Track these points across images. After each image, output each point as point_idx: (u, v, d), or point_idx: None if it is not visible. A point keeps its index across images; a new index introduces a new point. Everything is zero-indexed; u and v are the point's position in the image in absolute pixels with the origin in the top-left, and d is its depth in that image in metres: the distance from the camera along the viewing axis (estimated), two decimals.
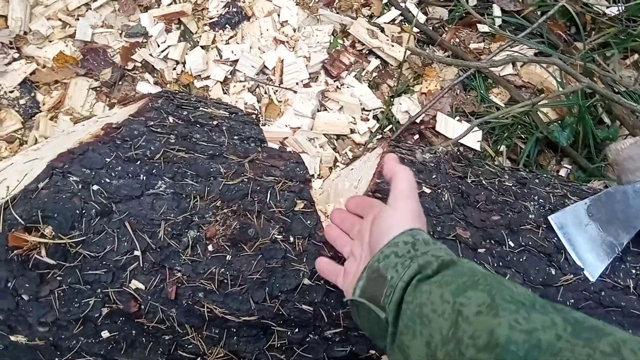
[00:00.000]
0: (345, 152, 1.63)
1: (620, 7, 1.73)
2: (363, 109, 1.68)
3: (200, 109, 0.95)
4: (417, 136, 1.66)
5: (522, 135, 1.63)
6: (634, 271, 0.86)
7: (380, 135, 1.65)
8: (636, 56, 1.77)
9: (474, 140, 1.60)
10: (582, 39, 1.60)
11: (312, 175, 1.55)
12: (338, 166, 1.58)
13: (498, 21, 1.77)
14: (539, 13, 1.74)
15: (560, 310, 0.48)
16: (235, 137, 0.92)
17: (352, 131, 1.65)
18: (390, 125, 1.66)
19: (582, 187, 1.01)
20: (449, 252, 0.61)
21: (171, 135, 0.88)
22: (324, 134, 1.63)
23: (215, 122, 0.93)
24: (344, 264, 0.74)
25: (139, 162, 0.84)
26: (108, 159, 0.84)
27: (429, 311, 0.53)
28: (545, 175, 1.02)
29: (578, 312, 0.49)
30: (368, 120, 1.67)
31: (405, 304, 0.56)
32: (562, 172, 1.61)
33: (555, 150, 1.62)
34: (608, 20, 1.74)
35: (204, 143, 0.89)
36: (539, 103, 1.49)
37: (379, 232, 0.65)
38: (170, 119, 0.91)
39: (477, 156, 1.61)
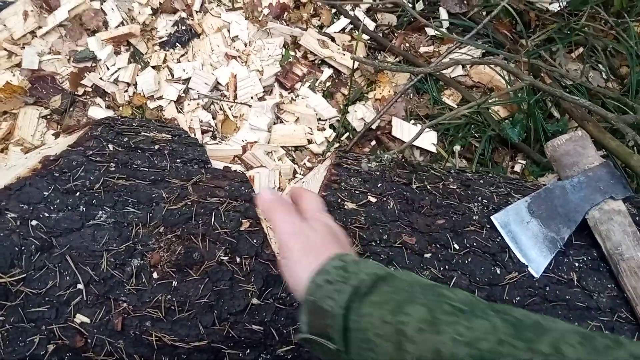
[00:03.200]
0: (304, 163, 1.63)
1: (562, 3, 1.78)
2: (319, 119, 1.69)
3: (142, 133, 0.95)
4: (374, 142, 1.67)
5: (476, 135, 1.65)
6: (577, 264, 0.88)
7: (338, 144, 1.66)
8: (581, 49, 1.81)
9: (429, 142, 1.62)
10: (525, 36, 1.64)
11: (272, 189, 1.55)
12: (297, 177, 1.58)
13: (446, 24, 1.80)
14: (484, 14, 1.77)
15: (500, 312, 0.49)
16: (178, 160, 0.91)
17: (310, 142, 1.66)
18: (347, 134, 1.67)
19: (526, 184, 1.03)
20: (382, 267, 0.60)
21: (111, 164, 0.87)
22: (281, 147, 1.63)
23: (157, 147, 0.92)
24: None
25: (78, 193, 0.83)
26: (46, 193, 0.83)
27: (373, 335, 0.52)
28: (490, 175, 1.04)
29: (518, 309, 0.49)
30: (324, 129, 1.68)
31: (350, 332, 0.55)
32: (517, 168, 1.64)
33: (509, 146, 1.65)
34: (551, 17, 1.79)
35: (145, 169, 0.88)
36: (489, 102, 1.52)
37: (295, 271, 0.61)
38: (110, 146, 0.90)
39: (433, 158, 1.63)
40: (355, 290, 0.55)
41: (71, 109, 1.63)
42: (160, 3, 1.75)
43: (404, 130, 1.66)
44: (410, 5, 1.82)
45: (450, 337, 0.47)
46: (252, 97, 1.68)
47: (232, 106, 1.67)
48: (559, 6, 1.79)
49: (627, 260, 0.85)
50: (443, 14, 1.80)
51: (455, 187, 0.96)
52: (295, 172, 1.60)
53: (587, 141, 0.95)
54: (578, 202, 0.89)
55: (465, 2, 1.81)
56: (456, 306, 0.50)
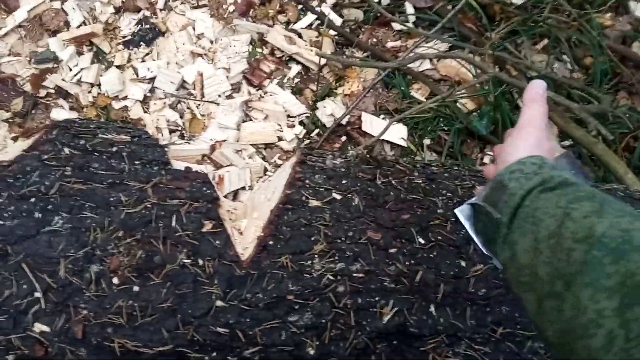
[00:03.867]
0: (274, 161, 1.62)
1: None
2: (288, 116, 1.67)
3: (100, 135, 0.92)
4: (344, 138, 1.67)
5: (445, 128, 1.66)
6: None
7: (308, 141, 1.65)
8: (546, 41, 1.83)
9: (398, 136, 1.62)
10: (490, 29, 1.65)
11: (244, 187, 1.53)
12: (268, 175, 1.57)
13: (412, 18, 1.80)
14: (450, 8, 1.78)
15: None
16: (137, 162, 0.89)
17: (280, 139, 1.64)
18: (317, 130, 1.67)
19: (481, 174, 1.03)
20: (572, 177, 0.62)
21: (67, 167, 0.85)
22: (251, 144, 1.61)
23: (114, 149, 0.90)
24: None
25: (33, 199, 0.81)
26: (0, 200, 0.81)
27: (542, 213, 0.56)
28: (455, 168, 1.04)
29: None
30: (294, 126, 1.67)
31: (522, 208, 0.59)
32: (486, 159, 1.65)
33: (478, 138, 1.66)
34: (515, 9, 1.80)
35: (102, 172, 0.86)
36: (454, 95, 1.53)
37: (508, 152, 0.67)
38: (66, 150, 0.88)
39: (403, 152, 1.63)
40: (542, 181, 0.60)
41: (33, 111, 1.59)
42: (122, 2, 1.72)
43: (373, 125, 1.66)
44: (376, 1, 1.82)
45: (609, 222, 0.49)
46: (219, 95, 1.66)
47: (199, 105, 1.65)
48: None
49: None
50: (409, 8, 1.81)
51: (420, 182, 0.96)
52: (265, 169, 1.59)
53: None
54: None
55: None
56: (627, 210, 0.52)
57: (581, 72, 1.82)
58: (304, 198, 0.89)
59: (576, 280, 0.48)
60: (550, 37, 1.79)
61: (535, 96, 0.70)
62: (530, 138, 0.67)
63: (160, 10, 1.76)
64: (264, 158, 1.62)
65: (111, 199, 0.82)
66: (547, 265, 0.52)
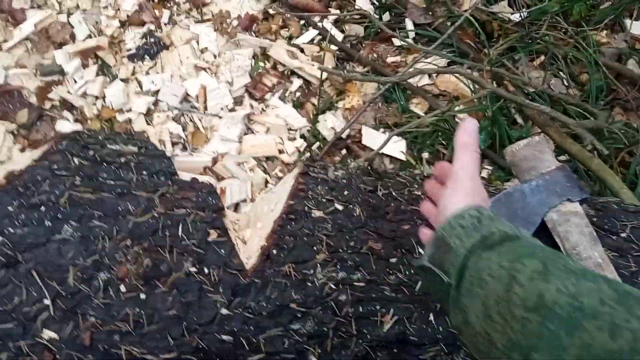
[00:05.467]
0: (275, 173, 1.64)
1: (522, 13, 1.84)
2: (289, 129, 1.70)
3: (108, 146, 0.95)
4: (344, 151, 1.70)
5: (444, 142, 1.69)
6: None
7: (309, 153, 1.67)
8: (542, 57, 1.87)
9: (398, 150, 1.65)
10: (488, 45, 1.69)
11: (245, 200, 1.56)
12: (269, 187, 1.60)
13: (412, 34, 1.84)
14: (449, 24, 1.82)
15: (611, 281, 0.51)
16: (145, 173, 0.91)
17: (281, 152, 1.67)
18: (318, 143, 1.69)
19: (489, 188, 1.06)
20: (513, 228, 0.63)
21: (76, 177, 0.87)
22: (252, 157, 1.64)
23: (123, 159, 0.92)
24: None
25: (43, 207, 0.83)
26: (11, 208, 0.83)
27: (487, 275, 0.56)
28: None
29: (631, 286, 0.51)
30: (295, 139, 1.69)
31: (467, 270, 0.59)
32: (484, 174, 1.68)
33: None
34: (513, 26, 1.85)
35: (111, 182, 0.88)
36: (453, 109, 1.56)
37: (446, 206, 0.67)
38: (76, 160, 0.90)
39: (402, 165, 1.66)
40: (483, 239, 0.60)
41: (38, 123, 1.62)
42: (128, 16, 1.75)
43: (373, 138, 1.69)
44: (377, 17, 1.86)
45: (556, 287, 0.50)
46: (222, 109, 1.69)
47: (202, 117, 1.68)
48: (520, 16, 1.85)
49: (585, 260, 0.88)
50: (409, 24, 1.84)
51: (420, 193, 0.98)
52: (267, 182, 1.61)
53: (545, 146, 0.98)
54: (536, 205, 0.92)
55: (430, 13, 1.86)
56: (569, 267, 0.53)
57: (577, 89, 1.85)
58: (306, 208, 0.91)
59: (534, 354, 0.49)
60: (547, 53, 1.83)
61: (466, 142, 0.70)
62: (466, 188, 0.67)
63: (165, 24, 1.80)
64: (265, 170, 1.64)
65: (119, 209, 0.85)
66: (502, 335, 0.53)
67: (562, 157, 1.71)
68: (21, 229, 0.81)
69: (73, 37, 1.73)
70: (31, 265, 0.79)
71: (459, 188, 0.67)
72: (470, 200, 0.65)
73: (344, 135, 1.68)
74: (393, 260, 0.87)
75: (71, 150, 0.92)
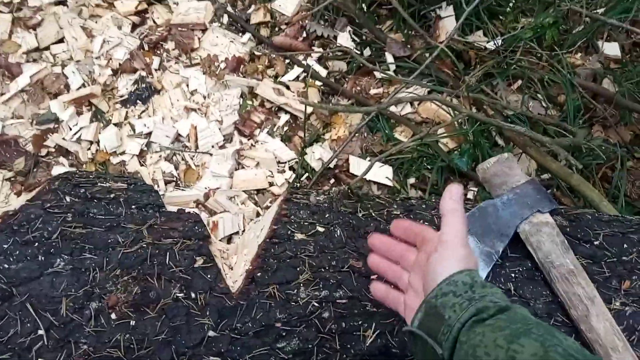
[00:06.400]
0: (267, 205, 1.69)
1: (497, 41, 1.92)
2: (278, 162, 1.76)
3: (99, 184, 1.00)
4: (332, 180, 1.75)
5: (429, 167, 1.74)
6: (513, 275, 0.94)
7: (298, 184, 1.72)
8: (519, 82, 1.94)
9: (384, 176, 1.70)
10: (464, 73, 1.76)
11: (237, 232, 1.59)
12: (259, 219, 1.64)
13: (392, 67, 1.91)
14: (427, 55, 1.90)
15: None
16: (133, 206, 0.96)
17: (271, 184, 1.72)
18: (306, 174, 1.74)
19: (466, 205, 1.10)
20: (504, 297, 0.64)
21: (68, 214, 0.91)
22: (243, 191, 1.69)
23: (112, 195, 0.97)
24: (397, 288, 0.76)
25: (36, 243, 0.87)
26: (5, 245, 0.87)
27: (482, 354, 0.56)
28: (433, 200, 1.11)
29: None
30: (284, 171, 1.75)
31: (459, 344, 0.59)
32: (470, 195, 1.72)
33: (460, 175, 1.74)
34: (489, 54, 1.93)
35: (101, 216, 0.92)
36: (433, 134, 1.61)
37: (437, 271, 0.67)
38: (68, 198, 0.95)
39: (389, 191, 1.70)
40: (477, 312, 0.61)
41: (34, 169, 1.67)
42: (119, 64, 1.83)
43: (360, 167, 1.74)
44: (358, 52, 1.94)
45: None
46: (212, 146, 1.75)
47: (193, 156, 1.74)
48: (495, 44, 1.93)
49: (558, 268, 0.91)
50: (389, 58, 1.92)
51: (398, 213, 1.02)
52: (258, 214, 1.65)
53: (513, 162, 1.03)
54: (509, 218, 0.96)
55: (409, 45, 1.94)
56: (568, 352, 0.53)
57: (556, 109, 1.92)
58: (289, 232, 0.95)
59: None
60: (524, 77, 1.91)
61: (453, 207, 0.70)
62: (458, 254, 0.67)
63: (156, 70, 1.88)
64: (256, 203, 1.69)
65: (109, 241, 0.89)
66: None
67: (545, 175, 1.76)
68: (15, 265, 0.85)
69: (67, 87, 1.81)
70: (25, 298, 0.83)
71: (451, 254, 0.67)
72: (464, 266, 0.66)
73: (331, 165, 1.73)
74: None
75: (63, 189, 0.97)
